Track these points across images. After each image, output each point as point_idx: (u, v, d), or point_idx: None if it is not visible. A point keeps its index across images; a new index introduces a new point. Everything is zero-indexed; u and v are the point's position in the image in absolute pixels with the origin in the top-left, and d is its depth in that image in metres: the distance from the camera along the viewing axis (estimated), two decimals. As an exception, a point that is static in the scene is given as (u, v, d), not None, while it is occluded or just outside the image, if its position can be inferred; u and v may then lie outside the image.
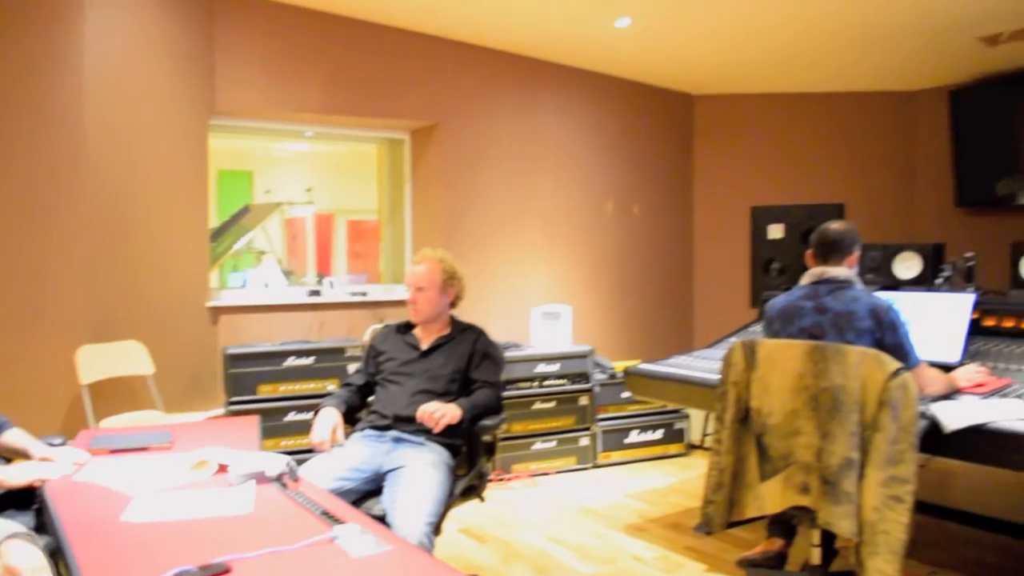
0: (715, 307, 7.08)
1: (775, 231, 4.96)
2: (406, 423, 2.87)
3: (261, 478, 2.16)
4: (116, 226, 4.10)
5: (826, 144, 6.86)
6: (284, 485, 2.14)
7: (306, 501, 2.00)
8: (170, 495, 2.06)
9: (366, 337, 3.35)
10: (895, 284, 3.83)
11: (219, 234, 6.20)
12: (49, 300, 3.86)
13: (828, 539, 2.82)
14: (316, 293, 5.31)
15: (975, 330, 3.30)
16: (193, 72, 4.64)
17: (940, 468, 4.41)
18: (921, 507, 3.48)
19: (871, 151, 6.83)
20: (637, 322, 6.81)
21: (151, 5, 4.34)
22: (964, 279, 3.64)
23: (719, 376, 2.81)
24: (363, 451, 2.82)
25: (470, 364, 3.05)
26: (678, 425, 5.35)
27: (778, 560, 3.19)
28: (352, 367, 4.53)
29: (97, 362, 3.91)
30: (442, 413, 2.75)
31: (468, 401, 2.91)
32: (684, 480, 4.84)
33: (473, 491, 2.93)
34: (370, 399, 3.14)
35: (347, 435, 2.95)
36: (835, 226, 3.02)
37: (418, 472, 2.66)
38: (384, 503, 2.61)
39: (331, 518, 1.86)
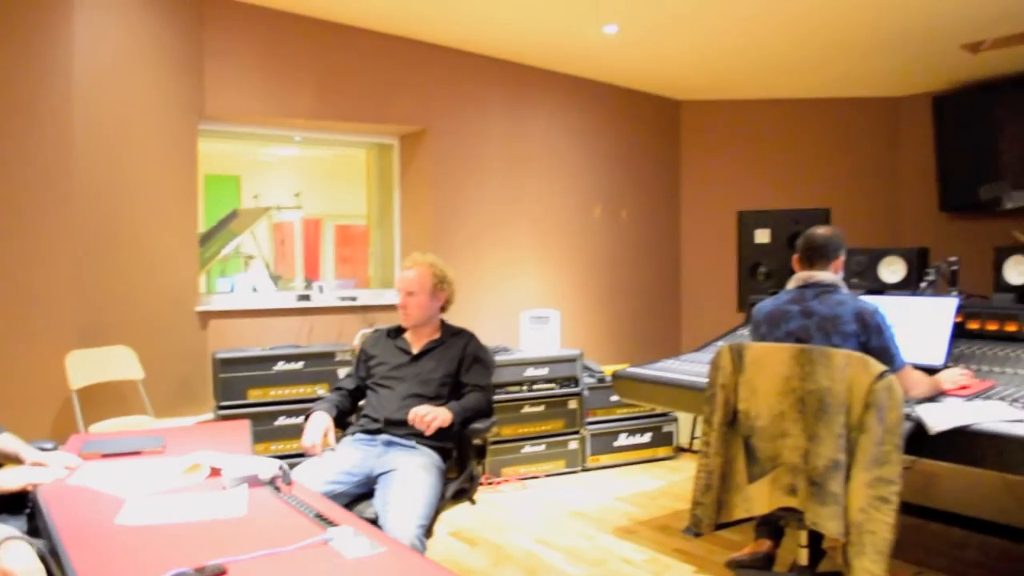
0: (702, 311, 7.12)
1: (761, 236, 4.99)
2: (397, 427, 2.89)
3: (254, 481, 2.17)
4: (105, 230, 4.09)
5: (812, 149, 6.93)
6: (277, 488, 2.15)
7: (299, 504, 2.01)
8: (163, 498, 2.07)
9: (356, 341, 3.37)
10: (880, 288, 3.87)
11: (207, 239, 6.19)
12: (38, 305, 3.85)
13: (815, 540, 2.85)
14: (306, 298, 5.31)
15: (959, 333, 3.35)
16: (183, 77, 4.65)
17: (925, 470, 4.45)
18: (907, 508, 3.53)
19: (856, 157, 6.90)
20: (625, 326, 6.85)
21: (141, 9, 4.34)
22: (948, 283, 3.69)
23: (707, 379, 2.84)
24: (354, 455, 2.83)
25: (460, 368, 3.08)
26: (666, 428, 5.38)
27: (766, 561, 3.22)
28: (342, 372, 4.54)
29: (86, 367, 3.90)
30: (433, 416, 2.77)
31: (459, 404, 2.93)
32: (673, 483, 4.87)
33: (464, 494, 2.95)
34: (361, 403, 3.16)
35: (338, 439, 2.96)
36: (821, 231, 3.06)
37: (409, 475, 2.68)
38: (376, 506, 2.63)
39: (324, 520, 1.87)
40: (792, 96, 6.92)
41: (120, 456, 2.52)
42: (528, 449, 4.96)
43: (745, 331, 4.06)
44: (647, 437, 5.33)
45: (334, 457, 2.81)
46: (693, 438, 5.51)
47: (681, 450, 5.49)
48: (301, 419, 3.00)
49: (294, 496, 2.08)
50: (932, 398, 2.88)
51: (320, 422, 2.90)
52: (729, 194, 6.92)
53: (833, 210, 4.85)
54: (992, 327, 3.33)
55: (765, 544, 3.26)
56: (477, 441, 2.98)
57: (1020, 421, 2.57)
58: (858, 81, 6.44)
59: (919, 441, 2.63)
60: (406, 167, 5.90)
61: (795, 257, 3.10)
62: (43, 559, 1.71)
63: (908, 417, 2.63)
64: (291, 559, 1.65)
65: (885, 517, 2.35)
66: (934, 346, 3.25)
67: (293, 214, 6.95)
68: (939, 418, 2.63)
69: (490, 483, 4.77)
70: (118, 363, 4.09)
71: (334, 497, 2.54)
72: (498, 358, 4.85)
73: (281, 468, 2.21)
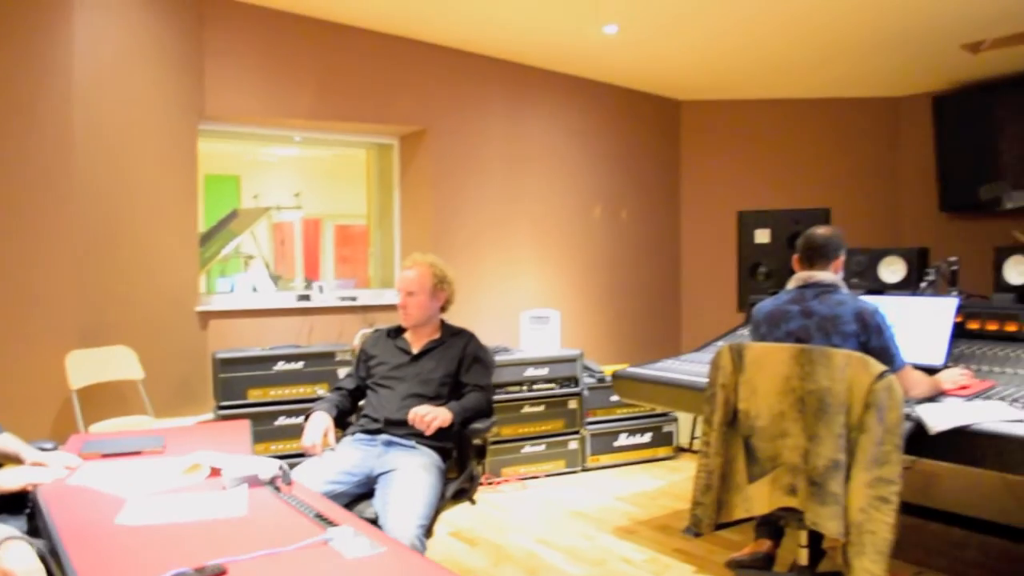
0: (702, 311, 7.13)
1: (762, 236, 5.00)
2: (397, 427, 2.89)
3: (254, 481, 2.17)
4: (105, 230, 4.09)
5: (812, 149, 6.93)
6: (277, 488, 2.15)
7: (299, 504, 2.01)
8: (164, 498, 2.07)
9: (356, 341, 3.37)
10: (880, 288, 3.87)
11: (207, 239, 6.19)
12: (38, 305, 3.85)
13: (815, 540, 2.85)
14: (306, 298, 5.31)
15: (959, 333, 3.35)
16: (183, 77, 4.65)
17: (926, 470, 4.46)
18: (907, 508, 3.53)
19: (856, 156, 6.90)
20: (625, 326, 6.85)
21: (141, 9, 4.34)
22: (948, 283, 3.69)
23: (707, 379, 2.84)
24: (354, 455, 2.83)
25: (460, 368, 3.08)
26: (666, 428, 5.39)
27: (766, 561, 3.22)
28: (342, 371, 4.54)
29: (86, 367, 3.90)
30: (433, 416, 2.77)
31: (459, 404, 2.93)
32: (673, 483, 4.87)
33: (464, 494, 2.95)
34: (361, 403, 3.16)
35: (338, 439, 2.96)
36: (821, 231, 3.06)
37: (409, 475, 2.68)
38: (376, 506, 2.63)
39: (325, 520, 1.87)
40: (792, 96, 6.92)
41: (120, 456, 2.52)
42: (528, 449, 4.97)
43: (745, 331, 4.06)
44: (647, 437, 5.33)
45: (334, 457, 2.81)
46: (693, 438, 5.51)
47: (681, 450, 5.49)
48: (301, 419, 3.00)
49: (294, 496, 2.08)
50: (932, 398, 2.88)
51: (320, 422, 2.90)
52: (729, 194, 6.93)
53: (833, 210, 4.85)
54: (992, 327, 3.34)
55: (765, 544, 3.27)
56: (477, 441, 2.99)
57: (1020, 421, 2.57)
58: (858, 81, 6.45)
59: (919, 441, 2.64)
60: (406, 167, 5.90)
61: (795, 257, 3.10)
62: (43, 559, 1.71)
63: (908, 417, 2.63)
64: (291, 559, 1.65)
65: (885, 517, 2.35)
66: (934, 346, 3.25)
67: (293, 214, 6.95)
68: (939, 418, 2.63)
69: (490, 483, 4.77)
70: (118, 363, 4.09)
71: (334, 497, 2.54)
72: (498, 358, 4.85)
73: (281, 468, 2.21)
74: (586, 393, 5.15)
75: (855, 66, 5.98)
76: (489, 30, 5.36)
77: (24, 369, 3.83)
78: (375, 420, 2.95)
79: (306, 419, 2.94)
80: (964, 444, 2.60)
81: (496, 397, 4.47)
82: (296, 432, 4.36)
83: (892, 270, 3.89)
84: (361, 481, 2.76)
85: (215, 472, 2.27)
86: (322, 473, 2.69)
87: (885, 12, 4.78)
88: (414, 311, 3.12)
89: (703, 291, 7.15)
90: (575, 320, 6.33)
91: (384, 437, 2.90)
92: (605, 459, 5.19)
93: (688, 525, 2.82)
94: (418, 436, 2.84)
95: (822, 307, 2.86)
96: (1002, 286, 3.51)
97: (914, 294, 3.65)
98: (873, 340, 2.77)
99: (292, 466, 2.37)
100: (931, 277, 3.69)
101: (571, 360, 5.14)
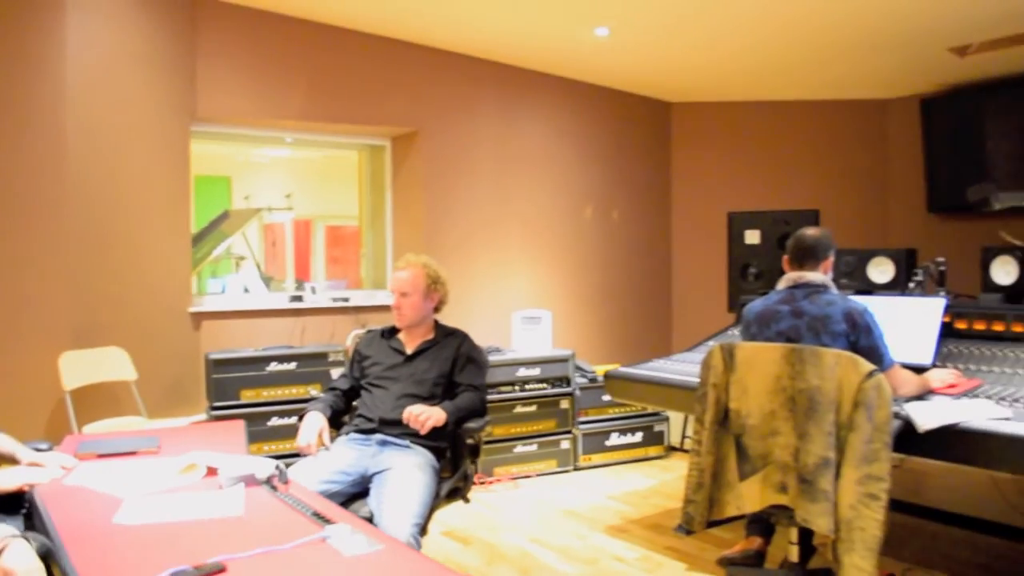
0: (693, 311, 7.17)
1: (751, 236, 5.04)
2: (392, 426, 2.91)
3: (250, 481, 2.18)
4: (98, 232, 4.10)
5: (801, 151, 6.98)
6: (274, 487, 2.16)
7: (296, 502, 2.02)
8: (160, 498, 2.08)
9: (348, 342, 3.38)
10: (869, 288, 3.91)
11: (198, 240, 6.19)
12: (31, 306, 3.86)
13: (806, 537, 2.88)
14: (298, 299, 5.32)
15: (947, 332, 3.39)
16: (175, 78, 4.65)
17: (914, 468, 4.51)
18: (896, 505, 3.58)
19: (845, 158, 6.95)
20: (617, 326, 6.88)
21: (133, 11, 4.35)
22: (936, 283, 3.73)
23: (698, 379, 2.86)
24: (349, 454, 2.85)
25: (454, 368, 3.10)
26: (658, 428, 5.41)
27: (757, 558, 3.25)
28: (335, 372, 4.56)
29: (80, 368, 3.91)
30: (428, 415, 2.79)
31: (453, 404, 2.95)
32: (664, 482, 4.90)
33: (458, 493, 2.97)
34: (355, 403, 3.17)
35: (332, 439, 2.98)
36: (810, 232, 3.09)
37: (404, 474, 2.70)
38: (371, 505, 2.64)
39: (322, 519, 1.89)
40: (782, 98, 6.97)
41: (116, 456, 2.53)
42: (520, 449, 4.99)
43: (736, 331, 4.09)
44: (638, 436, 5.35)
45: (329, 457, 2.83)
46: (684, 437, 5.54)
47: (672, 449, 5.52)
48: (294, 419, 3.01)
49: (290, 495, 2.09)
50: (921, 396, 2.92)
51: (315, 422, 2.91)
52: (719, 195, 6.97)
53: (822, 211, 4.90)
54: (979, 327, 3.38)
55: (756, 541, 3.29)
56: (471, 440, 3.00)
57: (1007, 419, 2.61)
58: (847, 83, 6.50)
59: (908, 439, 2.67)
60: (398, 168, 5.92)
61: (785, 258, 3.13)
62: (43, 557, 1.72)
63: (897, 415, 2.66)
64: (289, 557, 1.66)
65: (874, 514, 2.39)
66: (922, 346, 3.29)
67: (284, 215, 6.95)
68: (928, 416, 2.67)
69: (482, 483, 4.79)
70: (111, 364, 4.10)
71: (329, 496, 2.54)
72: (490, 358, 4.84)
73: (277, 467, 2.22)
74: (578, 393, 5.17)
75: (844, 69, 6.03)
76: (481, 32, 5.39)
77: (17, 370, 3.83)
78: (369, 420, 2.97)
79: (300, 419, 2.96)
80: (952, 442, 2.63)
81: (488, 397, 4.49)
82: (289, 433, 4.39)
83: (881, 270, 3.93)
84: (356, 480, 2.78)
85: (211, 472, 2.28)
86: (317, 473, 2.70)
87: (873, 16, 4.83)
88: (408, 312, 3.13)
89: (694, 291, 7.19)
90: (567, 320, 6.35)
91: (379, 436, 2.91)
92: (597, 458, 5.21)
93: (680, 523, 2.84)
94: (412, 435, 2.86)
95: (812, 307, 2.89)
96: (989, 286, 3.55)
97: (902, 294, 3.69)
98: (862, 339, 2.80)
99: (287, 466, 2.39)
100: (919, 277, 3.72)
101: (563, 360, 5.16)
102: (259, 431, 4.41)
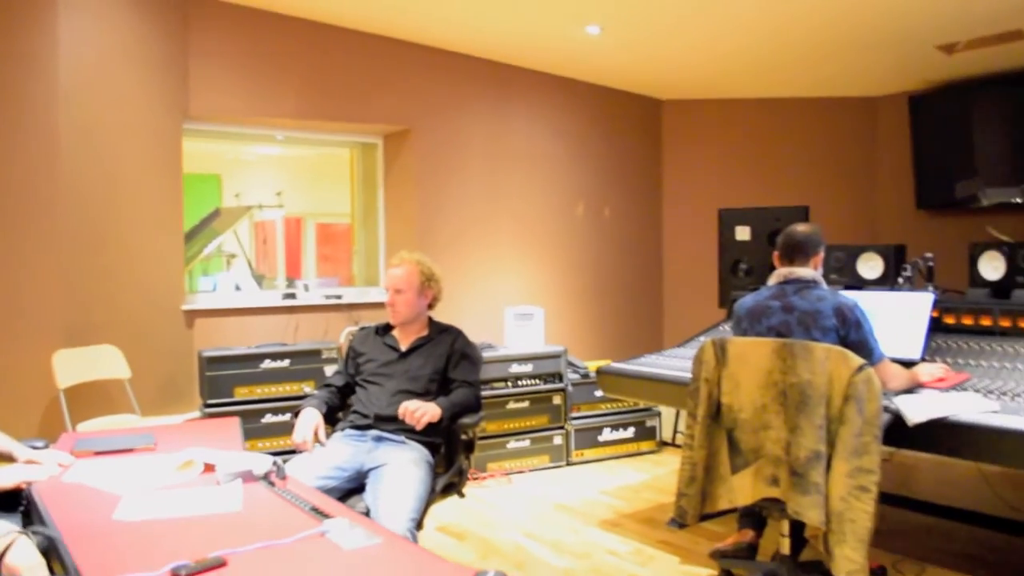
0: (684, 307, 7.20)
1: (742, 233, 5.06)
2: (387, 422, 2.93)
3: (248, 477, 2.20)
4: (91, 230, 4.10)
5: (791, 148, 7.02)
6: (271, 483, 2.18)
7: (294, 498, 2.04)
8: (159, 494, 2.09)
9: (342, 339, 3.39)
10: (859, 284, 3.94)
11: (189, 238, 6.18)
12: (25, 304, 3.86)
13: (797, 529, 2.91)
14: (291, 296, 5.33)
15: (935, 327, 3.43)
16: (167, 77, 4.65)
17: (904, 461, 4.56)
18: (886, 498, 3.62)
19: (835, 155, 7.00)
20: (608, 322, 6.91)
21: (125, 11, 4.34)
22: (924, 278, 3.77)
23: (690, 374, 2.89)
24: (345, 450, 2.87)
25: (448, 364, 3.11)
26: (650, 423, 5.45)
27: (749, 551, 3.28)
28: (328, 369, 4.57)
29: (73, 366, 3.91)
30: (423, 412, 2.81)
31: (447, 400, 2.98)
32: (656, 476, 4.93)
33: (453, 488, 3.00)
34: (350, 400, 3.19)
35: (328, 435, 3.00)
36: (801, 228, 3.12)
37: (400, 470, 2.72)
38: (367, 500, 2.66)
39: (320, 513, 1.91)
40: (772, 96, 7.01)
41: (113, 454, 2.54)
42: (513, 444, 5.01)
43: (727, 327, 4.12)
44: (630, 432, 5.39)
45: (325, 453, 2.84)
46: (676, 432, 5.58)
47: (664, 444, 5.55)
48: (288, 416, 3.03)
49: (288, 490, 2.11)
50: (910, 390, 2.95)
51: (310, 418, 2.93)
52: (710, 192, 7.01)
53: (812, 207, 4.92)
54: (967, 321, 3.42)
55: (748, 534, 3.33)
56: (465, 436, 3.03)
57: (995, 412, 2.65)
58: (836, 81, 6.54)
59: (898, 432, 2.71)
60: (390, 166, 5.93)
61: (775, 254, 3.15)
62: (43, 553, 1.73)
63: (887, 409, 2.70)
64: (290, 551, 1.68)
65: (865, 506, 2.42)
66: (911, 340, 3.33)
67: (275, 213, 6.95)
68: (917, 410, 2.70)
69: (475, 479, 4.81)
70: (105, 362, 4.10)
71: (326, 492, 2.56)
72: (483, 355, 4.88)
73: (275, 463, 2.24)
74: (570, 389, 5.20)
75: (833, 67, 6.07)
76: (473, 30, 5.40)
77: (11, 368, 3.83)
78: (365, 416, 2.99)
79: (296, 416, 2.97)
80: (941, 435, 2.67)
81: (482, 393, 4.51)
82: (283, 430, 4.40)
83: (870, 266, 3.96)
84: (352, 476, 2.79)
85: (209, 468, 2.30)
86: (313, 468, 2.72)
87: (862, 14, 4.86)
88: (402, 309, 3.15)
89: (685, 287, 7.22)
90: (559, 317, 6.38)
91: (374, 432, 2.93)
92: (589, 454, 5.24)
93: (672, 517, 2.87)
94: (408, 431, 2.88)
95: (802, 302, 2.92)
96: (977, 281, 3.59)
97: (891, 290, 3.72)
98: (852, 334, 2.83)
99: (283, 462, 2.40)
100: (908, 273, 3.77)
101: (555, 356, 5.19)
102: (253, 428, 4.42)
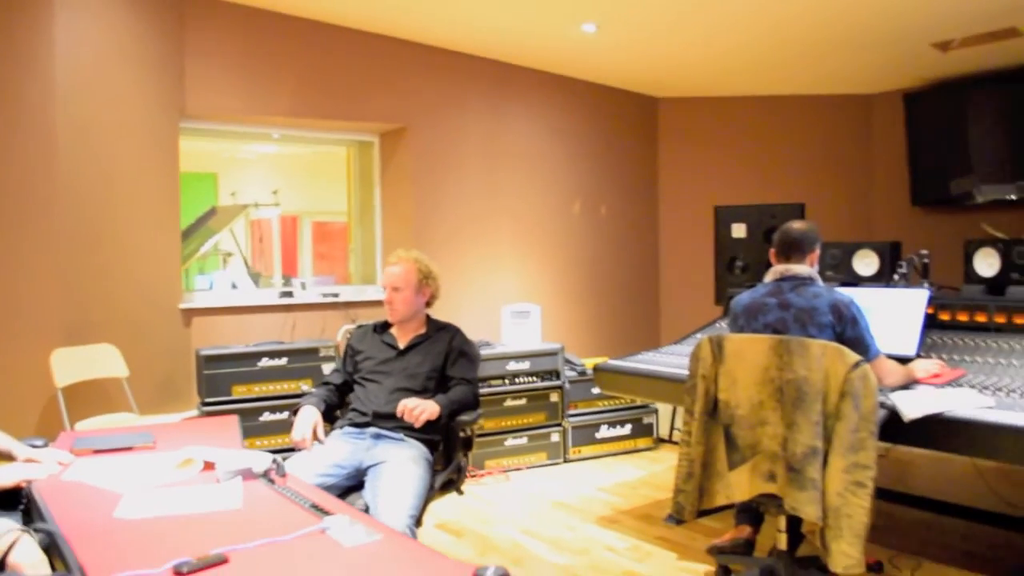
0: (681, 304, 7.22)
1: (738, 230, 5.08)
2: (385, 420, 2.94)
3: (248, 474, 2.21)
4: (88, 229, 4.10)
5: (787, 146, 7.03)
6: (271, 481, 2.19)
7: (294, 495, 2.05)
8: (159, 492, 2.10)
9: (339, 337, 3.39)
10: (854, 280, 3.96)
11: (185, 237, 6.18)
12: (23, 303, 3.86)
13: (794, 525, 2.93)
14: (288, 294, 5.33)
15: (930, 324, 3.44)
16: (163, 76, 4.65)
17: (900, 457, 4.57)
18: (883, 494, 3.63)
19: (830, 152, 7.01)
20: (605, 320, 6.92)
21: (122, 10, 4.34)
22: (920, 275, 3.79)
23: (687, 371, 2.91)
24: (344, 448, 2.88)
25: (447, 362, 3.13)
26: (647, 420, 5.47)
27: (747, 547, 3.29)
28: (326, 367, 4.58)
29: (71, 365, 3.91)
30: (422, 409, 2.82)
31: (446, 397, 2.99)
32: (653, 473, 4.95)
33: (451, 485, 3.01)
34: (348, 398, 3.20)
35: (326, 433, 3.00)
36: (797, 225, 3.13)
37: (399, 467, 2.73)
38: (366, 497, 2.68)
39: (320, 510, 1.92)
40: (767, 93, 7.02)
41: (112, 452, 2.55)
42: (511, 442, 5.02)
43: (723, 323, 4.14)
44: (627, 429, 5.40)
45: (324, 450, 2.86)
46: (673, 429, 5.59)
47: (661, 441, 5.57)
48: (286, 415, 3.04)
49: (288, 488, 2.12)
50: (905, 386, 2.97)
51: (309, 416, 2.94)
52: (706, 189, 7.02)
53: (808, 205, 4.94)
54: (962, 318, 3.44)
55: (745, 530, 3.34)
56: (463, 433, 3.04)
57: (990, 408, 2.67)
58: (832, 79, 6.55)
59: (894, 428, 2.72)
60: (387, 164, 5.93)
61: (772, 251, 3.16)
62: (45, 551, 1.74)
63: (883, 405, 2.71)
64: (291, 547, 1.69)
65: (861, 501, 2.43)
66: (907, 337, 3.34)
67: (271, 211, 6.95)
68: (913, 406, 2.72)
69: (473, 476, 4.82)
70: (103, 361, 4.11)
71: (325, 490, 2.57)
72: (480, 352, 4.89)
73: (275, 461, 2.25)
74: (567, 386, 5.21)
75: (829, 64, 6.08)
76: (469, 28, 5.41)
77: (9, 368, 3.84)
78: (363, 414, 3.00)
79: (294, 414, 2.98)
80: (937, 431, 2.68)
81: (479, 390, 4.53)
82: (281, 428, 4.41)
83: (866, 263, 3.98)
84: (351, 473, 2.81)
85: (208, 466, 2.30)
86: (312, 466, 2.73)
87: (857, 12, 4.88)
88: (400, 307, 3.16)
89: (681, 285, 7.24)
90: (556, 314, 6.39)
91: (373, 430, 2.94)
92: (587, 451, 5.26)
93: (670, 512, 2.88)
94: (406, 429, 2.89)
95: (799, 299, 2.93)
96: (972, 278, 3.61)
97: (887, 286, 3.74)
98: (848, 331, 2.85)
99: (282, 460, 2.41)
100: (903, 270, 3.78)
101: (552, 354, 5.21)
102: (251, 427, 4.42)
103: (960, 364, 3.20)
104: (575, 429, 5.22)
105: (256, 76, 5.03)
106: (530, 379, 5.11)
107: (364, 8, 5.03)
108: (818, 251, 3.11)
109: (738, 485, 2.72)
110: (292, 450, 2.88)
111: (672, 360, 3.86)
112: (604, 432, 5.32)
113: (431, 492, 2.83)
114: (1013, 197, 5.87)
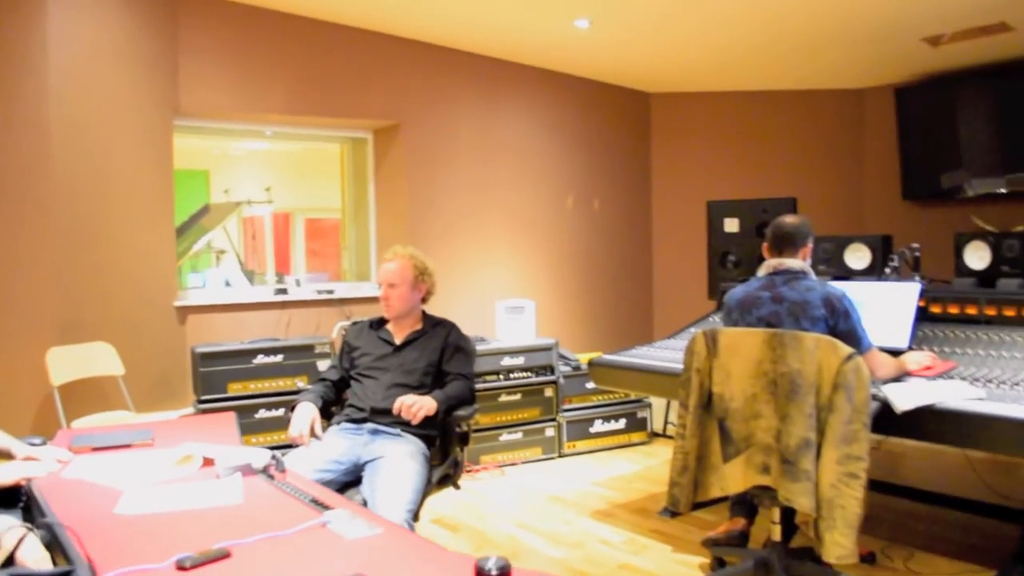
0: (674, 299, 7.25)
1: (731, 225, 5.09)
2: (382, 415, 2.95)
3: (247, 470, 2.22)
4: (83, 227, 4.10)
5: (779, 140, 7.06)
6: (271, 476, 2.20)
7: (293, 490, 2.07)
8: (159, 489, 2.11)
9: (334, 334, 3.41)
10: (846, 274, 3.99)
11: (178, 234, 6.17)
12: (18, 302, 3.86)
13: (788, 516, 2.95)
14: (283, 291, 5.34)
15: (922, 316, 3.47)
16: (157, 74, 4.65)
17: (892, 449, 4.61)
18: (875, 485, 3.66)
19: (822, 147, 7.04)
20: (599, 314, 6.95)
21: (115, 8, 4.34)
22: (911, 268, 3.82)
23: (681, 365, 2.93)
24: (341, 443, 2.90)
25: (443, 357, 3.14)
26: (641, 414, 5.49)
27: (741, 539, 3.32)
28: (321, 364, 4.59)
29: (67, 363, 3.92)
30: (419, 406, 2.84)
31: (443, 393, 3.00)
32: (648, 467, 4.98)
33: (448, 479, 3.03)
34: (345, 394, 3.21)
35: (324, 429, 3.02)
36: (789, 219, 3.16)
37: (396, 462, 2.75)
38: (364, 493, 2.69)
39: (320, 505, 1.93)
40: (759, 88, 7.04)
41: (111, 449, 2.56)
42: (506, 437, 5.05)
43: (717, 318, 4.16)
44: (622, 423, 5.43)
45: (321, 446, 2.87)
46: (667, 423, 5.62)
47: (655, 435, 5.60)
48: (283, 411, 3.05)
49: (287, 483, 2.14)
50: (898, 379, 3.00)
51: (306, 412, 2.95)
52: (699, 184, 7.05)
53: (800, 199, 4.96)
54: (953, 310, 3.47)
55: (740, 522, 3.37)
56: (460, 428, 3.05)
57: (981, 399, 2.70)
58: (823, 74, 6.58)
59: (886, 420, 2.75)
60: (380, 161, 5.94)
61: (765, 245, 3.19)
62: (47, 547, 1.75)
63: (875, 397, 2.74)
64: (292, 541, 1.71)
65: (854, 492, 2.46)
66: (898, 329, 3.37)
67: (263, 208, 6.94)
68: (905, 398, 2.75)
69: (468, 471, 4.84)
70: (98, 359, 4.11)
71: (323, 485, 2.59)
72: (475, 348, 4.91)
73: (274, 457, 2.26)
74: (562, 381, 5.24)
75: (820, 59, 6.11)
76: (462, 25, 5.41)
77: (5, 366, 3.84)
78: (360, 409, 3.01)
79: (291, 410, 3.00)
80: (929, 422, 2.72)
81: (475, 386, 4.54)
82: (278, 424, 4.42)
83: (857, 257, 4.01)
84: (348, 469, 2.82)
85: (208, 462, 2.32)
86: (310, 462, 2.74)
87: (848, 7, 4.90)
88: (396, 303, 3.17)
89: (674, 279, 7.26)
90: (550, 309, 6.41)
91: (370, 426, 2.96)
92: (581, 445, 5.28)
93: (665, 506, 2.91)
94: (403, 424, 2.91)
95: (792, 293, 2.96)
96: (962, 271, 3.64)
97: (879, 279, 3.77)
98: (841, 324, 2.88)
99: (281, 456, 2.42)
100: (895, 263, 3.82)
101: (546, 349, 5.23)
102: (247, 423, 4.42)
103: (951, 356, 3.24)
104: (570, 424, 5.24)
105: (249, 73, 5.03)
106: (525, 374, 5.13)
107: (357, 5, 5.04)
108: (811, 245, 3.14)
109: (732, 477, 2.75)
110: (289, 446, 2.90)
111: (666, 354, 3.88)
112: (598, 427, 5.35)
113: (428, 487, 2.85)
114: (1003, 190, 5.92)
